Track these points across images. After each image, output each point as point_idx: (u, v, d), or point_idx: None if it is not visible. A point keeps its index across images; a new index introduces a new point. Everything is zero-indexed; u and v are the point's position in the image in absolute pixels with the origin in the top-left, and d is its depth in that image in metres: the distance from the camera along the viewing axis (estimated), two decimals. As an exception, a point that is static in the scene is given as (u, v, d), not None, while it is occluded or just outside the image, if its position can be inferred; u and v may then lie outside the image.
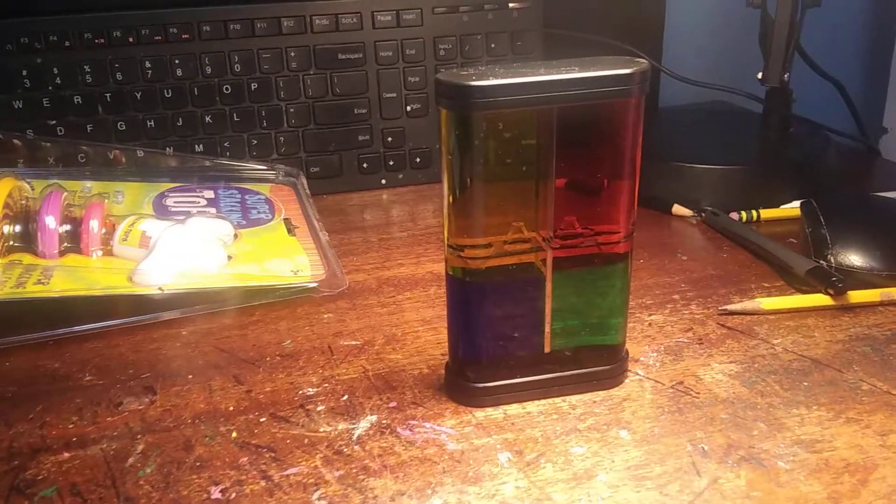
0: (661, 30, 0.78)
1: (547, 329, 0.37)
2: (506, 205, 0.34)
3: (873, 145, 0.72)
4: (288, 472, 0.33)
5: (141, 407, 0.37)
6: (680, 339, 0.42)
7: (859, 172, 0.69)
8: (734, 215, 0.56)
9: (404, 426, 0.35)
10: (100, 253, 0.47)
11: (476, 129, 0.31)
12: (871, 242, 0.47)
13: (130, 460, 0.34)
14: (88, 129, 0.60)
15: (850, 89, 0.72)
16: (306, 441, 0.35)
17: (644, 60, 0.32)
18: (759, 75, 0.62)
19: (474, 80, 0.30)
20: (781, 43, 0.59)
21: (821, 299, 0.44)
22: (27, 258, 0.45)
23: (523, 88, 0.30)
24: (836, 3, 0.76)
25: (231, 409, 0.37)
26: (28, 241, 0.46)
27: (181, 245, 0.47)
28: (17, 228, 0.46)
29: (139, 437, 0.35)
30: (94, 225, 0.47)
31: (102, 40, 0.59)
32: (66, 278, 0.44)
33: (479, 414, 0.36)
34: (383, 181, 0.66)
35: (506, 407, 0.37)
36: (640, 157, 0.34)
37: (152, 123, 0.61)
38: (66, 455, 0.34)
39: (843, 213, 0.49)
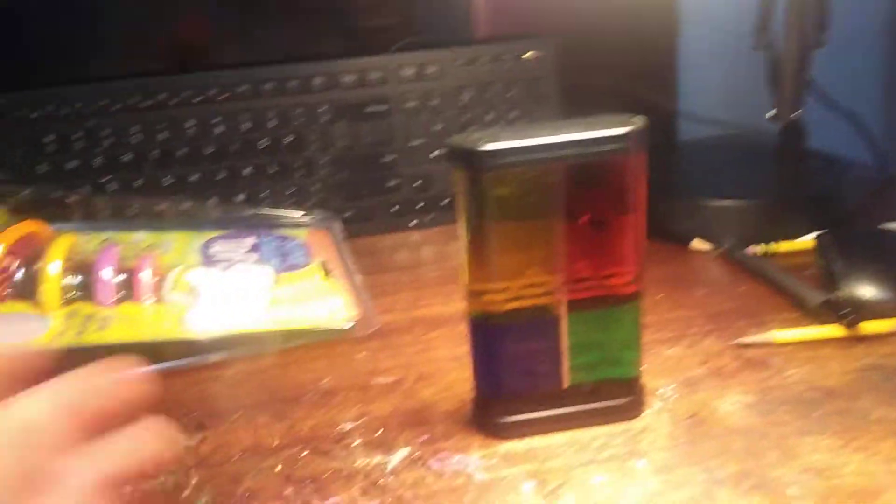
0: (675, 69, 0.80)
1: (565, 365, 0.39)
2: (520, 252, 0.37)
3: (892, 175, 0.74)
4: (328, 501, 0.35)
5: (193, 443, 0.41)
6: (696, 372, 0.44)
7: (877, 203, 0.70)
8: (752, 249, 0.58)
9: (435, 458, 0.38)
10: (152, 301, 0.50)
11: (486, 189, 0.35)
12: (884, 274, 0.48)
13: (186, 493, 0.37)
14: (138, 184, 0.64)
15: (869, 120, 0.74)
16: (345, 473, 0.37)
17: (641, 118, 0.35)
18: (770, 114, 0.64)
19: (483, 145, 0.33)
20: (789, 83, 0.61)
21: (834, 330, 0.46)
22: (87, 308, 0.49)
23: (529, 150, 0.34)
24: (852, 36, 0.78)
25: (275, 444, 0.40)
26: (87, 292, 0.50)
27: (225, 291, 0.50)
28: (79, 279, 0.50)
29: (192, 471, 0.38)
30: (146, 275, 0.51)
31: (149, 103, 0.64)
32: (121, 326, 0.48)
33: (504, 446, 0.39)
34: (413, 223, 0.69)
35: (529, 439, 0.39)
36: (644, 205, 0.37)
37: (196, 178, 0.65)
38: (127, 489, 0.37)
39: (856, 245, 0.51)
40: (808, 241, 0.59)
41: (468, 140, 0.34)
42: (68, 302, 0.49)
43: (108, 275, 0.49)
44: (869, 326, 0.46)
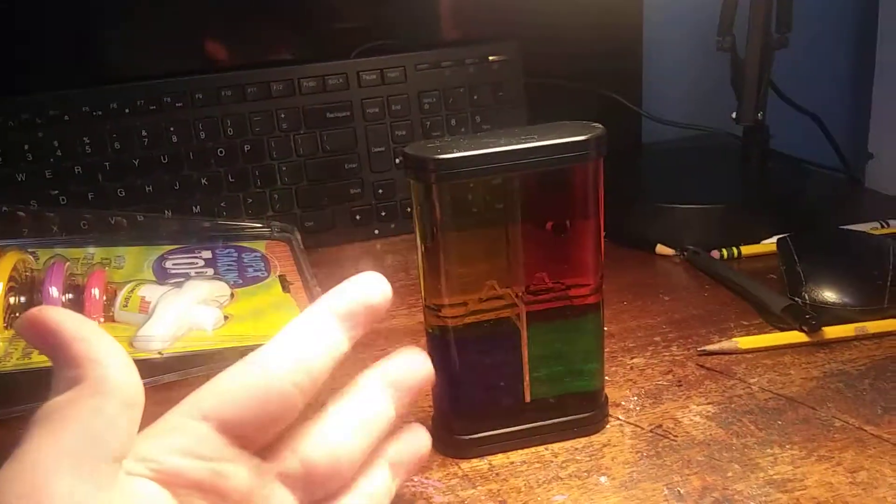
0: (640, 72, 0.80)
1: (526, 379, 0.38)
2: (478, 264, 0.36)
3: (855, 175, 0.74)
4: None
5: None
6: (660, 382, 0.43)
7: (841, 203, 0.70)
8: (715, 253, 0.58)
9: (392, 481, 0.37)
10: (102, 320, 0.49)
11: (442, 198, 0.33)
12: (845, 278, 0.48)
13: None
14: (90, 197, 0.62)
15: (832, 121, 0.74)
16: (298, 499, 0.36)
17: (600, 126, 0.34)
18: (734, 115, 0.64)
19: (438, 154, 0.32)
20: (752, 83, 0.61)
21: (796, 336, 0.46)
22: (32, 329, 0.47)
23: (484, 159, 0.33)
24: (813, 38, 0.78)
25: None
26: (33, 312, 0.48)
27: (178, 309, 0.48)
28: (23, 299, 0.48)
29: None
30: (95, 293, 0.49)
31: (100, 112, 0.62)
32: (69, 347, 0.46)
33: (465, 465, 0.38)
34: (376, 231, 0.68)
35: (491, 457, 0.38)
36: (603, 212, 0.36)
37: (151, 188, 0.63)
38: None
39: (816, 249, 0.51)
40: (771, 243, 0.59)
41: (423, 149, 0.33)
42: (13, 323, 0.47)
43: (54, 294, 0.48)
44: (831, 331, 0.45)
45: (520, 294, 0.36)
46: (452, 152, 0.33)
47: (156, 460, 0.25)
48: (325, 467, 0.28)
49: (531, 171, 0.34)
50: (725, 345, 0.46)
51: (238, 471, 0.26)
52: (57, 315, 0.25)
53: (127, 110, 0.62)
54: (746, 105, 0.63)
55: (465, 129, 0.68)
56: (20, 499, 0.22)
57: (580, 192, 0.35)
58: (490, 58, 0.68)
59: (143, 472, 0.25)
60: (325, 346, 0.28)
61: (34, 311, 0.26)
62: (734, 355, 0.45)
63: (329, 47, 0.72)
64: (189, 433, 0.26)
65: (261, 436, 0.27)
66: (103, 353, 0.25)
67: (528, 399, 0.38)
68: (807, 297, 0.48)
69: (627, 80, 0.78)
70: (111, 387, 0.25)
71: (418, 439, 0.32)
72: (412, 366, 0.31)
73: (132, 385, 0.25)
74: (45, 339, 0.25)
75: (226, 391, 0.27)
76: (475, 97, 0.68)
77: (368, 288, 0.29)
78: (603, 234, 0.37)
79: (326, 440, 0.29)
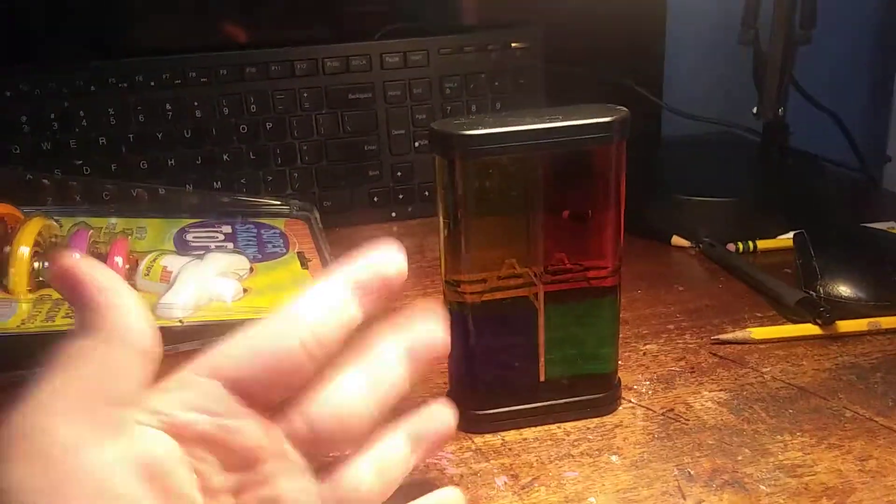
0: (661, 63, 0.80)
1: (541, 359, 0.39)
2: (498, 242, 0.36)
3: (873, 175, 0.74)
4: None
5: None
6: (672, 368, 0.44)
7: (857, 203, 0.71)
8: (731, 246, 0.58)
9: (406, 452, 0.37)
10: (123, 287, 0.50)
11: (466, 175, 0.34)
12: (860, 273, 0.48)
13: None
14: (113, 168, 0.63)
15: (852, 120, 0.74)
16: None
17: (624, 109, 0.34)
18: (754, 110, 0.64)
19: (464, 130, 0.33)
20: (774, 79, 0.61)
21: (810, 329, 0.46)
22: (56, 293, 0.48)
23: (510, 137, 0.33)
24: (836, 36, 0.78)
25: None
26: (57, 277, 0.49)
27: (199, 279, 0.49)
28: (47, 264, 0.49)
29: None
30: (118, 261, 0.50)
31: (126, 85, 0.62)
32: (91, 312, 0.47)
33: (479, 440, 0.38)
34: (393, 214, 0.69)
35: (504, 433, 0.39)
36: (624, 196, 0.37)
37: (173, 162, 0.64)
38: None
39: (832, 244, 0.51)
40: (786, 238, 0.59)
41: (450, 125, 0.34)
42: (37, 287, 0.48)
43: (78, 260, 0.48)
44: (844, 325, 0.46)
45: (538, 274, 0.37)
46: (478, 129, 0.33)
47: (166, 413, 0.25)
48: (330, 428, 0.28)
49: (555, 151, 0.34)
50: (739, 334, 0.46)
51: (245, 427, 0.27)
52: (88, 264, 0.26)
53: (152, 84, 0.63)
54: (767, 100, 0.63)
55: (484, 112, 0.69)
56: (24, 438, 0.23)
57: (602, 175, 0.36)
58: (512, 44, 0.68)
59: (154, 423, 0.25)
60: (335, 311, 0.28)
61: (70, 257, 0.26)
62: (747, 345, 0.46)
63: (352, 29, 0.73)
64: (199, 389, 0.26)
65: (269, 395, 0.27)
66: (123, 302, 0.26)
67: (542, 378, 0.39)
68: (821, 290, 0.48)
69: (648, 72, 0.78)
70: (126, 333, 0.26)
71: (443, 416, 0.32)
72: (431, 336, 0.31)
73: (147, 333, 0.26)
74: (75, 285, 0.26)
75: (235, 350, 0.27)
76: (496, 83, 0.69)
77: (384, 259, 0.29)
78: (623, 217, 0.37)
79: (332, 402, 0.28)
